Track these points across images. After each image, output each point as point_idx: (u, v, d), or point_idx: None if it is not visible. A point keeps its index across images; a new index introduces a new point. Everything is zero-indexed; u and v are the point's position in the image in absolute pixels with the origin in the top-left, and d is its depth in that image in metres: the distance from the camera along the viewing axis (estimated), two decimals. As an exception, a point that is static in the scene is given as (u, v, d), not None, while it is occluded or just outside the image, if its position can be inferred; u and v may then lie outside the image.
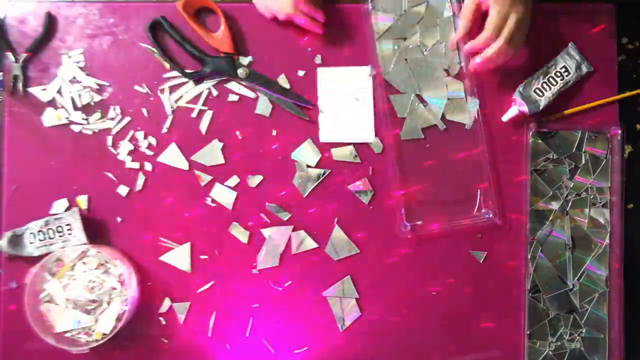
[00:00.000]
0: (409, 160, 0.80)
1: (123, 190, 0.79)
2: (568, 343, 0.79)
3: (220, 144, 0.79)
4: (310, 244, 0.80)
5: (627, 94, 0.81)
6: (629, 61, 0.82)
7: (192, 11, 0.80)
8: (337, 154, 0.80)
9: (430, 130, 0.80)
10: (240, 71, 0.78)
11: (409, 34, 0.81)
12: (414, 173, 0.80)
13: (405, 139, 0.80)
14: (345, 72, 0.80)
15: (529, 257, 0.79)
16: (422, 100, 0.80)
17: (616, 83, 0.81)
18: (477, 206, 0.80)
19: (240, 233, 0.79)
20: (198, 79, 0.79)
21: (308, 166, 0.80)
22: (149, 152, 0.79)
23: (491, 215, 0.79)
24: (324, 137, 0.80)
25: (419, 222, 0.79)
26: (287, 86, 0.80)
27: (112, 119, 0.79)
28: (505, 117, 0.79)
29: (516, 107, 0.78)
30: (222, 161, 0.79)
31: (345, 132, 0.80)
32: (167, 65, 0.78)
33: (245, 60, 0.80)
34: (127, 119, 0.79)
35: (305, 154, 0.80)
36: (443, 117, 0.80)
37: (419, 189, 0.80)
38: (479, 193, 0.80)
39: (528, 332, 0.79)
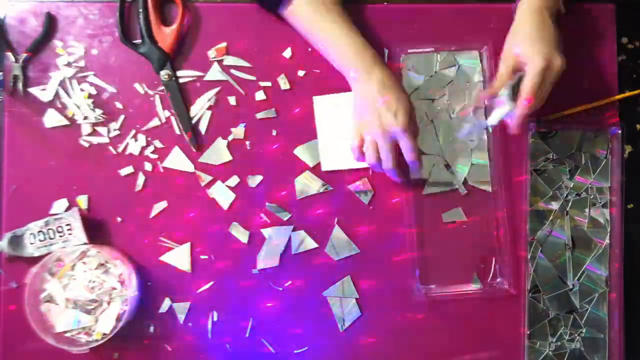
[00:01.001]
0: (427, 219, 0.80)
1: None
2: (568, 343, 0.79)
3: (225, 142, 0.80)
4: (310, 244, 0.80)
5: (627, 94, 0.81)
6: (629, 61, 0.82)
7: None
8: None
9: (450, 193, 0.80)
10: (162, 72, 0.78)
11: (438, 95, 0.80)
12: (430, 232, 0.80)
13: (427, 193, 0.80)
14: (342, 99, 0.80)
15: (529, 257, 0.80)
16: (446, 164, 0.80)
17: (616, 83, 0.81)
18: (490, 275, 0.80)
19: (240, 233, 0.79)
20: (132, 49, 0.79)
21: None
22: (149, 152, 0.79)
23: (506, 285, 0.79)
24: (326, 166, 0.80)
25: (432, 286, 0.79)
26: (287, 86, 0.80)
27: (112, 119, 0.79)
28: (490, 121, 0.76)
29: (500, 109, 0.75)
30: (230, 158, 0.79)
31: (347, 160, 0.79)
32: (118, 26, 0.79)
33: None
34: (128, 118, 0.79)
35: (306, 154, 0.80)
36: (465, 182, 0.80)
37: (435, 249, 0.80)
38: (493, 262, 0.79)
39: (528, 332, 0.79)
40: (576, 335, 0.79)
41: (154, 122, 0.79)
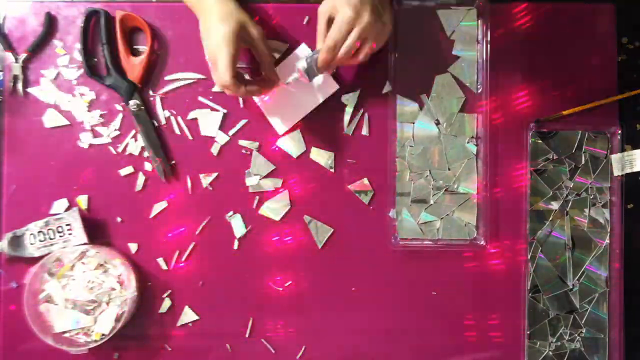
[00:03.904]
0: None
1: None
2: (568, 343, 0.79)
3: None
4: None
5: (627, 94, 0.81)
6: (629, 61, 0.82)
7: (128, 27, 0.79)
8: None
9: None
10: (132, 102, 0.77)
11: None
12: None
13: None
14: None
15: (529, 257, 0.79)
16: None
17: (616, 83, 0.81)
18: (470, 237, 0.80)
19: (240, 233, 0.79)
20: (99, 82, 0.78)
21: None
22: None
23: (483, 242, 0.79)
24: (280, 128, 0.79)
25: (410, 238, 0.80)
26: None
27: (112, 119, 0.79)
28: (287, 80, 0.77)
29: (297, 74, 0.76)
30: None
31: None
32: (82, 56, 0.78)
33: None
34: (127, 118, 0.79)
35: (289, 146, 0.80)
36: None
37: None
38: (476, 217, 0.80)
39: (528, 332, 0.79)
40: (576, 335, 0.79)
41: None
